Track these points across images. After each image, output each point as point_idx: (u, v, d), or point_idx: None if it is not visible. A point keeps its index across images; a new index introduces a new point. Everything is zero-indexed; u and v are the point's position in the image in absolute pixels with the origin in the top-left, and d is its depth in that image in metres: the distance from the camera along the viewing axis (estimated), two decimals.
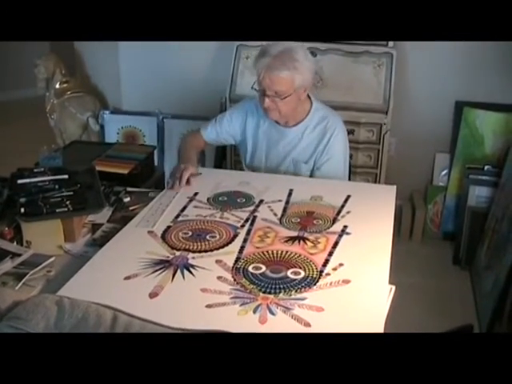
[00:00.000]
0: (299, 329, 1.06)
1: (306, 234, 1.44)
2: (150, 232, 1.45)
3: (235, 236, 1.43)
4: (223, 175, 1.93)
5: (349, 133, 2.66)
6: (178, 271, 1.26)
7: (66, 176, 1.64)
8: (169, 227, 1.47)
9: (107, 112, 3.19)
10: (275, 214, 1.56)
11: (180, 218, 1.53)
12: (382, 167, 2.71)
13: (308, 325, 1.07)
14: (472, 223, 2.69)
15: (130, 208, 1.66)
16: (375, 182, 2.72)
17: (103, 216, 1.58)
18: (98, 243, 1.42)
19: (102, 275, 1.24)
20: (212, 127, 1.99)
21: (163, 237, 1.42)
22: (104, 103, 3.35)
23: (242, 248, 1.36)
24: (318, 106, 1.88)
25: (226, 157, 2.87)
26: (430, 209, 2.97)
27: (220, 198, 1.65)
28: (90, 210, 1.52)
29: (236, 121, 1.95)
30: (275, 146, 1.90)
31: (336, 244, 1.39)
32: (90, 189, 1.60)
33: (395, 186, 1.76)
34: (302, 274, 1.25)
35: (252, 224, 1.50)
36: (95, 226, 1.52)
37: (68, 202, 1.49)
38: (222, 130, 1.98)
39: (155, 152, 2.35)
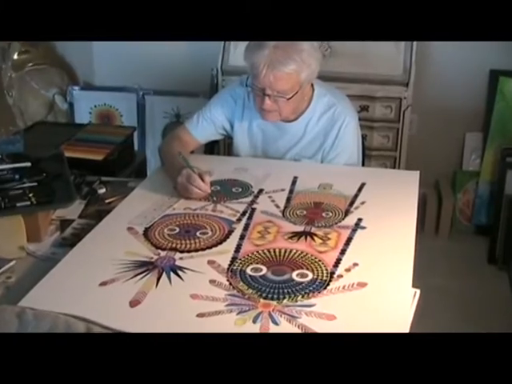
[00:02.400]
0: None
1: (313, 229, 1.44)
2: (130, 229, 1.45)
3: (230, 232, 1.43)
4: (216, 161, 1.93)
5: (362, 109, 2.65)
6: (164, 275, 1.26)
7: (28, 164, 1.63)
8: (152, 224, 1.47)
9: (77, 88, 3.18)
10: (277, 206, 1.56)
11: (166, 212, 1.53)
12: (401, 149, 2.72)
13: None
14: (510, 214, 2.69)
15: (106, 201, 1.66)
16: (394, 167, 2.72)
17: (74, 211, 1.57)
18: (69, 243, 1.42)
19: (73, 281, 1.24)
20: (203, 119, 1.87)
21: (146, 234, 1.42)
22: (73, 77, 3.33)
23: (239, 246, 1.36)
24: (321, 91, 1.83)
25: (217, 142, 2.86)
26: (459, 198, 2.98)
27: (212, 188, 1.65)
28: (57, 203, 1.52)
29: (227, 109, 1.88)
30: (273, 143, 1.88)
31: (349, 240, 1.39)
32: (57, 179, 1.60)
33: (418, 172, 1.76)
34: (310, 276, 1.25)
35: (250, 218, 1.50)
36: (64, 223, 1.52)
37: (31, 195, 1.49)
38: (218, 119, 1.88)
39: (135, 134, 2.35)
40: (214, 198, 1.60)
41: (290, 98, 1.69)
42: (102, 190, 1.71)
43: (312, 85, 1.81)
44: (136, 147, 2.54)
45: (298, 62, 1.63)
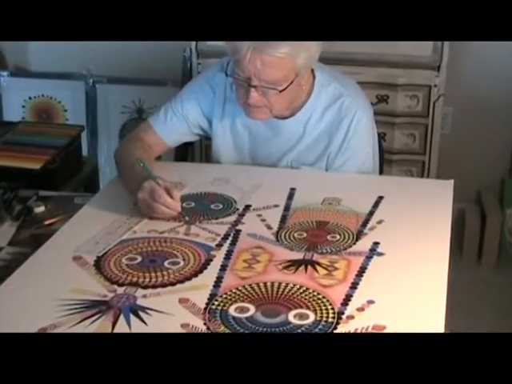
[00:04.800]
0: None
1: (316, 257, 1.46)
2: (76, 259, 1.46)
3: (208, 261, 1.45)
4: (189, 169, 1.96)
5: (380, 100, 2.67)
6: (122, 317, 1.27)
7: None
8: (106, 251, 1.49)
9: (5, 74, 3.19)
10: (269, 227, 1.58)
11: (124, 236, 1.55)
12: (431, 152, 2.75)
13: None
14: None
15: (46, 222, 1.67)
16: (422, 174, 2.76)
17: (2, 236, 1.59)
18: None
19: (3, 327, 1.24)
20: (173, 115, 1.89)
21: (98, 265, 1.44)
22: (0, 61, 3.35)
23: (219, 280, 1.38)
24: (324, 79, 1.85)
25: (192, 144, 2.87)
26: (508, 215, 3.00)
27: (184, 204, 1.67)
28: None
29: (204, 102, 1.90)
30: (264, 146, 1.91)
31: (362, 271, 1.41)
32: None
33: (452, 182, 1.79)
34: (312, 317, 1.26)
35: (234, 243, 1.52)
36: None
37: None
38: (192, 115, 1.90)
39: (83, 135, 2.36)
40: (187, 218, 1.62)
41: (284, 90, 1.70)
42: (40, 209, 1.72)
43: (312, 71, 1.83)
44: (85, 152, 2.56)
45: (292, 44, 1.64)
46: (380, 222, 1.61)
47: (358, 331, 1.23)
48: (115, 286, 1.36)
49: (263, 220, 1.62)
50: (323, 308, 1.29)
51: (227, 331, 1.23)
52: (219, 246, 1.51)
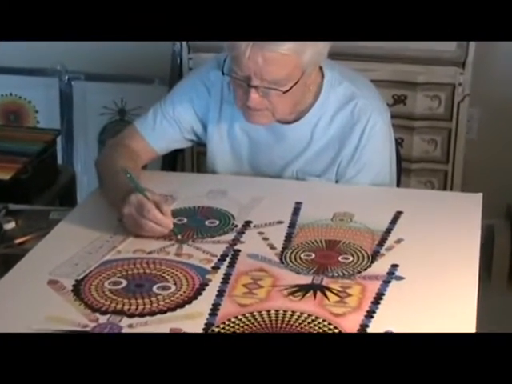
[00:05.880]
0: None
1: (325, 281, 1.46)
2: (52, 283, 1.46)
3: (203, 286, 1.45)
4: (181, 180, 1.96)
5: (397, 101, 2.68)
6: None
7: None
8: (86, 274, 1.49)
9: None
10: (272, 247, 1.59)
11: (106, 257, 1.55)
12: (455, 161, 2.76)
13: None
14: None
15: (16, 241, 1.67)
16: (444, 187, 2.77)
17: None
18: None
19: None
20: (163, 119, 1.90)
21: (76, 290, 1.43)
22: None
23: (216, 307, 1.38)
24: (334, 78, 1.86)
25: (182, 151, 2.87)
26: None
27: (176, 220, 1.67)
28: None
29: (198, 103, 1.91)
30: (266, 154, 1.92)
31: (379, 297, 1.41)
32: None
33: (480, 195, 1.80)
34: None
35: (232, 264, 1.52)
36: None
37: None
38: (184, 119, 1.91)
39: (58, 140, 2.36)
40: (179, 236, 1.63)
41: (288, 91, 1.71)
42: (10, 225, 1.73)
43: (320, 69, 1.84)
44: (60, 160, 2.56)
45: None
46: (399, 240, 1.61)
47: None
48: (97, 315, 1.36)
49: (265, 239, 1.62)
50: None
51: None
52: (215, 268, 1.51)
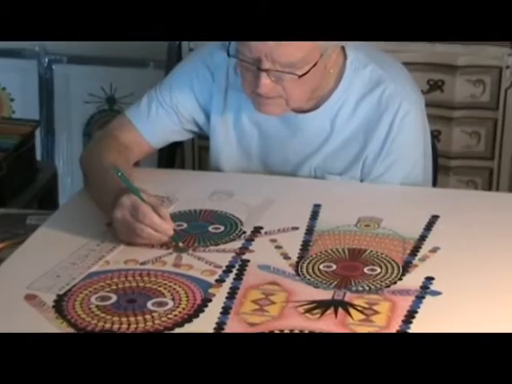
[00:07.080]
0: None
1: (349, 296, 1.46)
2: (30, 298, 1.46)
3: (206, 302, 1.44)
4: (179, 178, 1.96)
5: (432, 87, 2.68)
6: None
7: None
8: (69, 288, 1.49)
9: None
10: (286, 257, 1.59)
11: (93, 268, 1.55)
12: (502, 156, 2.76)
13: None
14: None
15: None
16: (489, 186, 2.77)
17: None
18: None
19: None
20: (159, 107, 1.92)
21: (58, 307, 1.43)
22: None
23: (221, 326, 1.38)
24: (359, 59, 1.87)
25: (181, 145, 2.87)
26: None
27: (175, 226, 1.66)
28: None
29: (200, 89, 1.93)
30: (279, 148, 1.93)
31: (411, 315, 1.40)
32: None
33: None
34: None
35: (239, 277, 1.52)
36: None
37: None
38: (184, 107, 1.93)
39: (37, 133, 2.37)
40: (180, 244, 1.63)
41: (304, 75, 1.72)
42: None
43: (343, 49, 1.85)
44: (39, 156, 2.57)
45: None
46: (434, 249, 1.61)
47: None
48: None
49: (278, 247, 1.62)
50: None
51: None
52: (220, 281, 1.51)
